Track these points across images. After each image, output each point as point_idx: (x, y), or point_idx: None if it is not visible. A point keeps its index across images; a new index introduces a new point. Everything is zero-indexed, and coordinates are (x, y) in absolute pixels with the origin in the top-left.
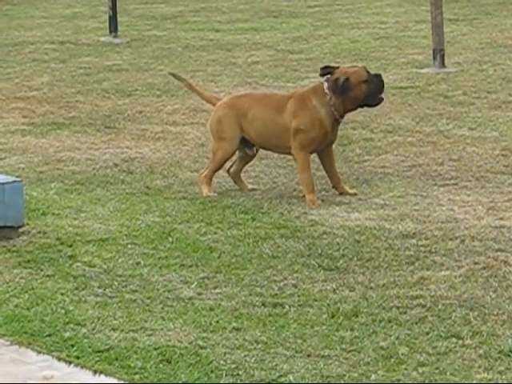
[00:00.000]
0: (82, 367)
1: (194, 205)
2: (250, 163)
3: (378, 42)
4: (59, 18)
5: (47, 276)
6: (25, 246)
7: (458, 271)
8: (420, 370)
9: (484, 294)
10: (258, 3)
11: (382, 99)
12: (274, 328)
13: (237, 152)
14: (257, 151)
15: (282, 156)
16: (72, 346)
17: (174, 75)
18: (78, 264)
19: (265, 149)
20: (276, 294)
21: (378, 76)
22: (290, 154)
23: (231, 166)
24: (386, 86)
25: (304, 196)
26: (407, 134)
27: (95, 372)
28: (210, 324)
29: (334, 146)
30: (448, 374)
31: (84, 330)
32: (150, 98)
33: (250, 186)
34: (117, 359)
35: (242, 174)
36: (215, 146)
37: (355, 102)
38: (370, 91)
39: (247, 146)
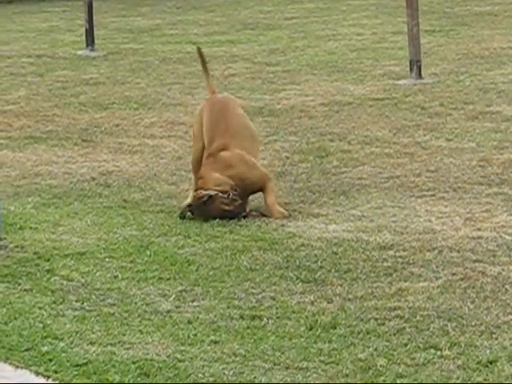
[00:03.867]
0: (61, 382)
1: (172, 218)
2: None
3: (354, 53)
4: (36, 31)
5: (25, 290)
6: (2, 261)
7: (436, 282)
8: (398, 382)
9: (462, 304)
10: (235, 16)
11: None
12: (252, 340)
13: None
14: None
15: None
16: (50, 360)
17: (200, 52)
18: (56, 278)
19: None
20: (254, 307)
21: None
22: None
23: None
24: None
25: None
26: (384, 145)
27: None
28: (188, 337)
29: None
30: None
31: (62, 344)
32: (127, 112)
33: None
34: (95, 373)
35: None
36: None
37: None
38: None
39: None
